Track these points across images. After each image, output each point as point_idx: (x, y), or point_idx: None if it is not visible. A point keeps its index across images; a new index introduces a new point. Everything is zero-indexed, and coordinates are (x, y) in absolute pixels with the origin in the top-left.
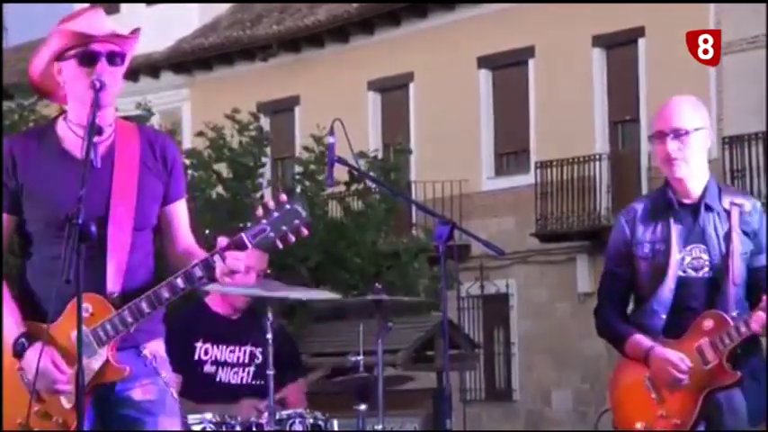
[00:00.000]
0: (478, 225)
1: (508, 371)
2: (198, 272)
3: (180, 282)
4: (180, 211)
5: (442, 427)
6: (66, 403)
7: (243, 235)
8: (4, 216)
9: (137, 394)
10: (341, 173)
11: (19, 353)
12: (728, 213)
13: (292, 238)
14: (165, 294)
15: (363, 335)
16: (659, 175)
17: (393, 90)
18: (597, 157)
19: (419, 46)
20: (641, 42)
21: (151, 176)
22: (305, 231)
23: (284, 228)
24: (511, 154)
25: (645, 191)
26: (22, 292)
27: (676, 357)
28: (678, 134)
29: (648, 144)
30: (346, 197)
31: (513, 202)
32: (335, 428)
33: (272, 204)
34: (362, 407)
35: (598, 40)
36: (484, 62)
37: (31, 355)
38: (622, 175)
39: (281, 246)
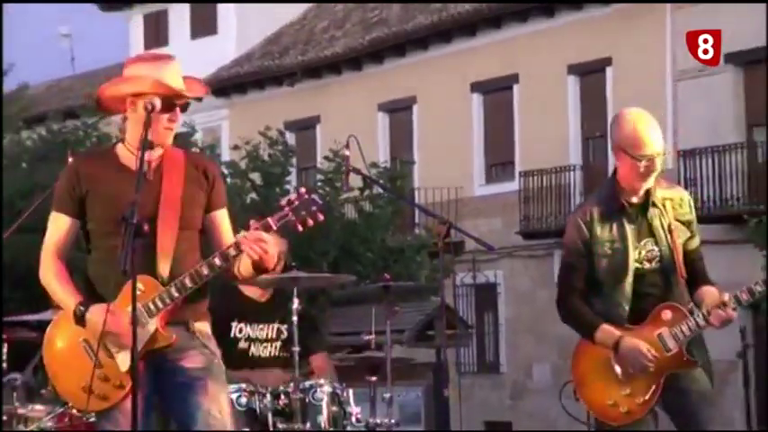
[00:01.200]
0: (471, 225)
1: (496, 348)
2: (232, 251)
3: (217, 260)
4: (221, 218)
5: (441, 395)
6: (122, 367)
7: (269, 219)
8: (70, 220)
9: (186, 363)
10: (355, 180)
11: (80, 318)
12: (665, 208)
13: (310, 222)
14: (204, 271)
15: (374, 317)
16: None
17: (399, 111)
18: (571, 167)
19: (421, 73)
20: (609, 70)
21: (194, 187)
22: (320, 216)
23: (303, 213)
24: (499, 165)
25: None
26: (85, 279)
27: (645, 348)
28: (652, 159)
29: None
30: (360, 201)
31: (501, 205)
32: (351, 396)
33: (293, 196)
34: (373, 378)
35: (572, 69)
36: (476, 87)
37: (93, 313)
38: (593, 183)
39: (300, 228)
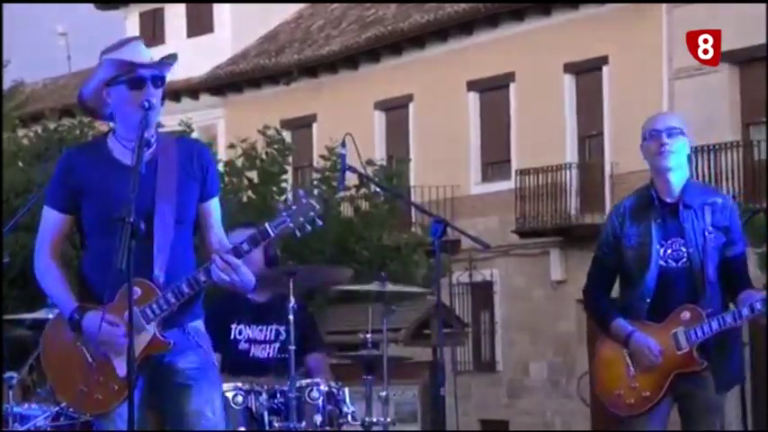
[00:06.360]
0: (467, 223)
1: (492, 346)
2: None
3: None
4: (214, 208)
5: (437, 394)
6: (120, 372)
7: (267, 225)
8: (63, 216)
9: (182, 363)
10: (352, 179)
11: (75, 325)
12: (703, 212)
13: (309, 228)
14: (202, 278)
15: (371, 316)
16: (621, 182)
17: (395, 109)
18: (568, 166)
19: (418, 72)
20: (605, 69)
21: (188, 178)
22: (319, 222)
23: (301, 219)
24: (495, 163)
25: (608, 195)
26: (79, 280)
27: (652, 344)
28: (670, 132)
29: (611, 155)
30: (356, 199)
31: (497, 203)
32: (347, 395)
33: (291, 200)
34: (370, 376)
35: (568, 68)
36: (472, 86)
37: (89, 321)
38: (589, 182)
39: (298, 234)
